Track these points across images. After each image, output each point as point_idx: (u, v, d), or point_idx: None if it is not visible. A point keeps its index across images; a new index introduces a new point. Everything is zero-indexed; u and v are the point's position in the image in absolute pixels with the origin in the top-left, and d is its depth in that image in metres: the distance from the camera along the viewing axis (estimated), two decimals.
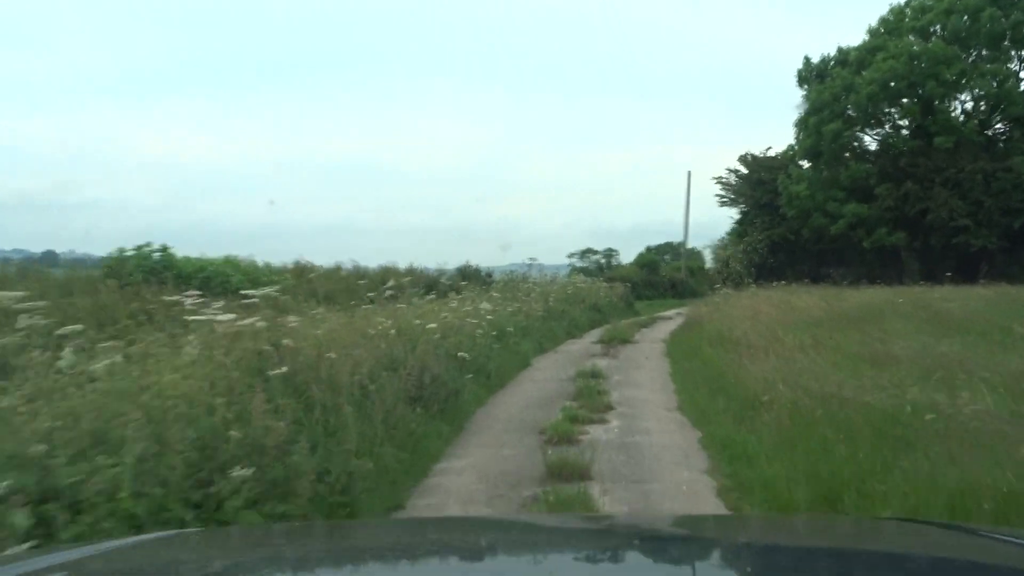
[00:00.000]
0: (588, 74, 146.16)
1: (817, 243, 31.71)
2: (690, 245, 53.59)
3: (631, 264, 50.62)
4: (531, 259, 26.15)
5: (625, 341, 20.05)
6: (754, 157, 33.60)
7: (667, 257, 52.55)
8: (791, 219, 31.14)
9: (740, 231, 33.93)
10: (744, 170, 33.99)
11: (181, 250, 16.36)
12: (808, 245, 32.22)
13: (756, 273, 31.97)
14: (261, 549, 1.89)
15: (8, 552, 2.70)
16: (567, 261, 67.49)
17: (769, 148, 33.58)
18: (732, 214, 36.01)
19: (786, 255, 32.52)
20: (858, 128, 29.55)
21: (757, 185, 32.99)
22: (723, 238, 36.39)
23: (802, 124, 30.73)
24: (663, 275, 48.77)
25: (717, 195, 34.46)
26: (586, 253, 67.99)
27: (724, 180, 34.62)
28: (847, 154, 30.34)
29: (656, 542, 1.87)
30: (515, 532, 2.18)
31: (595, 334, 22.55)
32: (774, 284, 28.36)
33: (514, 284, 22.34)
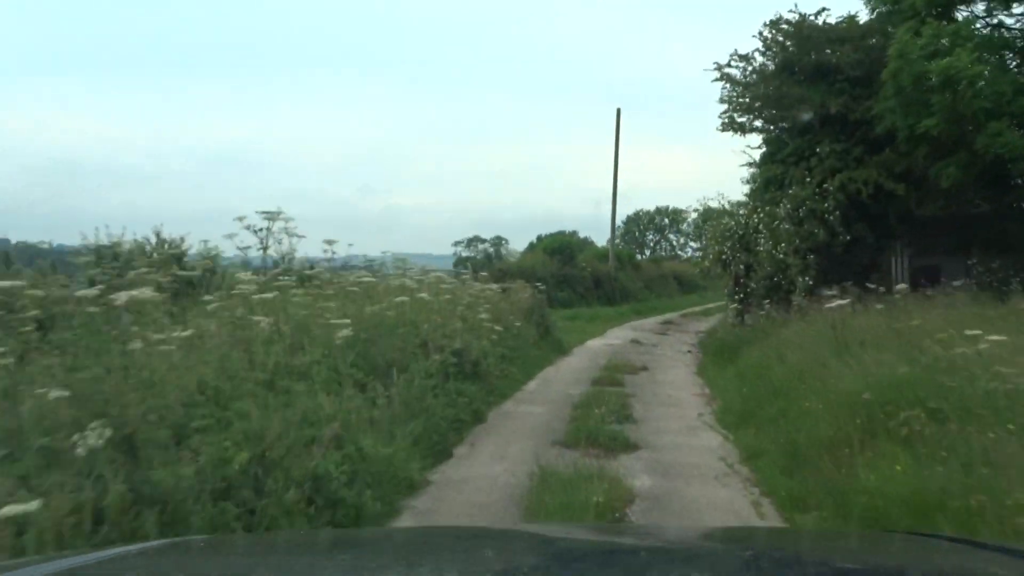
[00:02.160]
0: (477, 66, 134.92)
1: (944, 201, 14.43)
2: (583, 237, 36.06)
3: (535, 251, 32.36)
4: (266, 217, 7.24)
5: None
6: (803, 19, 15.98)
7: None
8: (916, 141, 13.54)
9: (774, 177, 15.97)
10: (774, 49, 16.27)
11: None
12: (923, 203, 14.83)
13: (817, 267, 14.38)
14: (265, 557, 1.88)
15: (9, 561, 2.29)
16: (452, 250, 52.40)
17: (824, 10, 16.12)
18: (748, 147, 17.56)
19: (868, 225, 14.95)
20: None
21: (816, 77, 15.37)
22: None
23: None
24: (583, 268, 31.04)
25: (722, 102, 16.36)
26: (473, 241, 58.12)
27: (730, 74, 16.74)
28: None
29: (660, 554, 1.81)
30: (523, 543, 2.07)
31: None
32: (885, 294, 10.97)
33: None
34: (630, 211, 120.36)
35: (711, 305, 30.59)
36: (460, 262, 44.44)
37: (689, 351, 16.23)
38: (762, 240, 14.93)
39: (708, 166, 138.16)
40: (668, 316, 25.38)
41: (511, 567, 1.61)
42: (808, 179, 14.80)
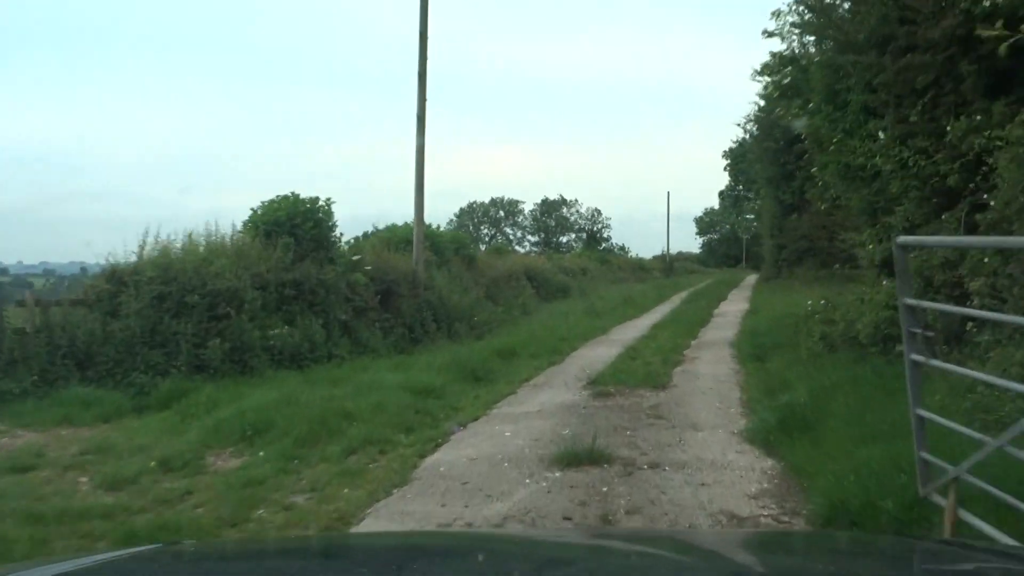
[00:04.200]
0: (306, 60, 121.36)
1: None
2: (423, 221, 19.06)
3: (245, 228, 14.59)
4: None
5: None
6: None
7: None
8: None
9: None
10: None
11: None
12: None
13: None
14: (257, 562, 1.84)
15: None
16: None
17: None
18: None
19: None
20: None
21: None
22: None
23: None
24: (352, 265, 14.16)
25: None
26: None
27: None
28: None
29: (650, 559, 1.74)
30: (514, 547, 2.02)
31: None
32: None
33: None
34: (463, 203, 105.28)
35: (637, 333, 14.29)
36: None
37: None
38: None
39: (542, 163, 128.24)
40: (575, 395, 8.89)
41: (502, 572, 1.59)
42: None
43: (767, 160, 23.45)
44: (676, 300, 24.13)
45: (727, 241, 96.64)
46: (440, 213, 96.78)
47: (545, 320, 17.57)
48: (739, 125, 23.82)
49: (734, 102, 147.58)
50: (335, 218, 13.80)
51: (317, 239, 13.14)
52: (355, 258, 14.19)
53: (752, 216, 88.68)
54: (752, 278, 43.40)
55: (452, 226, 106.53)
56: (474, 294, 17.69)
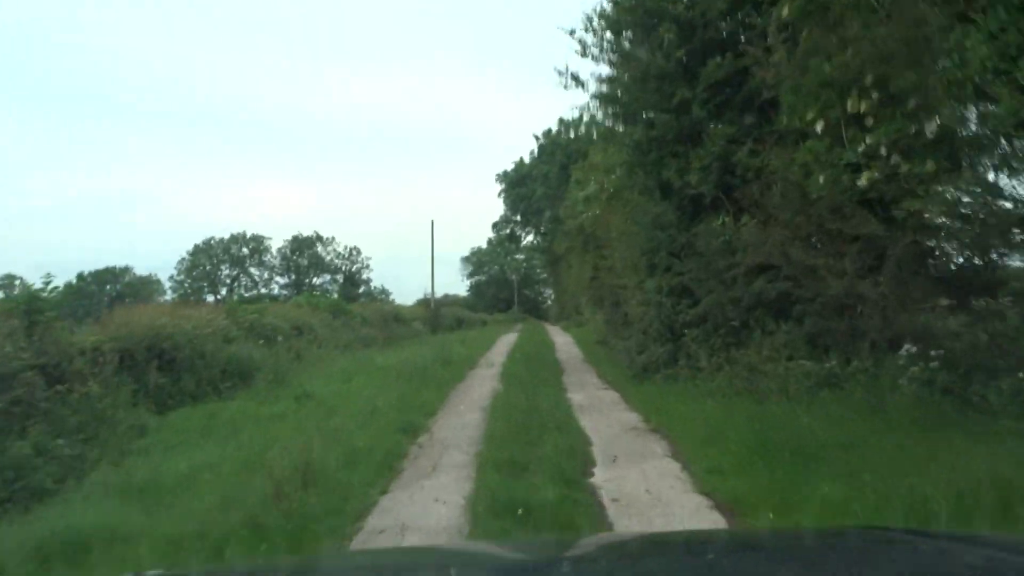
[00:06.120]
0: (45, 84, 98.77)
1: None
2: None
3: None
4: None
5: None
6: None
7: None
8: None
9: None
10: None
11: None
12: None
13: None
14: None
15: None
16: None
17: None
18: None
19: None
20: None
21: None
22: None
23: None
24: None
25: None
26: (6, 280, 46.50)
27: None
28: None
29: (622, 560, 1.72)
30: (481, 561, 1.97)
31: None
32: None
33: None
34: (199, 239, 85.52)
35: None
36: None
37: None
38: None
39: (302, 200, 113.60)
40: None
41: None
42: None
43: (644, 100, 10.11)
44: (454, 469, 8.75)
45: (497, 283, 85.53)
46: (170, 254, 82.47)
47: None
48: (577, 53, 9.84)
49: (506, 143, 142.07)
50: None
51: None
52: None
53: (523, 256, 78.60)
54: (565, 341, 27.85)
55: (183, 267, 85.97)
56: None
